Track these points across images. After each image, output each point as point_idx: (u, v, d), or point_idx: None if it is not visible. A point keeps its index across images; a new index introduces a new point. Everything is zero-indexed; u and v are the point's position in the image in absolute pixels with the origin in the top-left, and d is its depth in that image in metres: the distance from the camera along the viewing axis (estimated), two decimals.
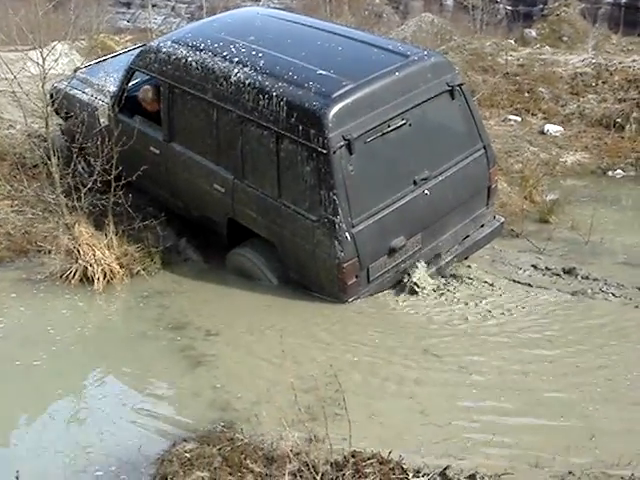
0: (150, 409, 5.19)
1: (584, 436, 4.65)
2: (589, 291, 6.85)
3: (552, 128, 11.78)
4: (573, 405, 5.00)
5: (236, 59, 6.70)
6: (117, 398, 5.40)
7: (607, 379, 5.32)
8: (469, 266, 7.08)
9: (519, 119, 12.12)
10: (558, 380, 5.30)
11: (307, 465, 4.10)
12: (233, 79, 6.57)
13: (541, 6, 38.08)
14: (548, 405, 5.01)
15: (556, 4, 20.47)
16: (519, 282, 7.04)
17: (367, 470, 4.19)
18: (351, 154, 6.01)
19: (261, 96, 6.33)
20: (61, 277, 6.74)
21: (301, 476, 4.08)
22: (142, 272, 6.99)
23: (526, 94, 12.72)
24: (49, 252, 6.93)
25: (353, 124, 6.01)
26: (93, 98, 7.99)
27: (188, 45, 7.12)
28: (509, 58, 13.69)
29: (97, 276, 6.70)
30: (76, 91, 8.30)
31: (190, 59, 6.96)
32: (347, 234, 6.06)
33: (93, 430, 4.91)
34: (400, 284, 6.63)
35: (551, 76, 13.02)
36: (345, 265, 6.13)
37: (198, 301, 6.71)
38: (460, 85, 6.72)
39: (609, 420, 4.83)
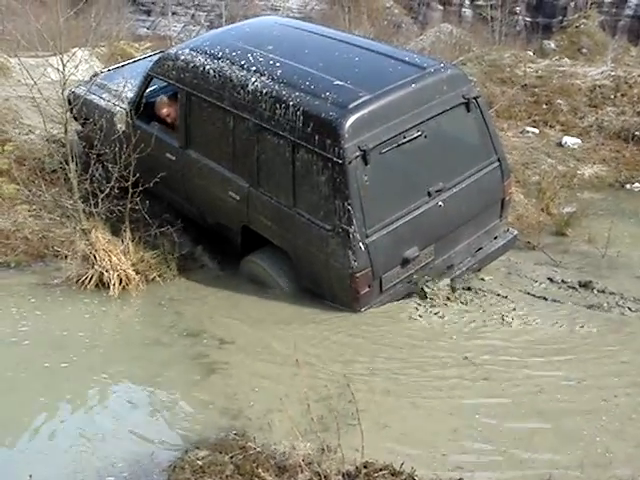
0: (163, 416, 5.21)
1: (598, 456, 4.61)
2: (605, 305, 6.81)
3: (570, 140, 11.71)
4: (588, 427, 4.93)
5: (253, 68, 6.73)
6: (130, 404, 5.41)
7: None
8: (483, 279, 7.06)
9: (537, 131, 12.06)
10: (578, 400, 5.25)
11: (319, 475, 4.10)
12: (250, 88, 6.59)
13: (560, 18, 38.05)
14: (564, 424, 4.96)
15: (575, 16, 20.43)
16: (534, 295, 7.01)
17: None
18: (366, 165, 6.02)
19: (278, 105, 6.36)
20: (77, 282, 6.78)
21: None
22: (158, 278, 7.03)
23: (544, 106, 12.65)
24: (66, 257, 6.99)
25: (369, 135, 6.02)
26: (111, 104, 8.01)
27: (206, 53, 7.16)
28: (527, 70, 13.62)
29: (113, 282, 6.73)
30: (94, 97, 8.30)
31: (208, 67, 7.00)
32: (361, 244, 6.07)
33: (105, 435, 4.91)
34: (414, 294, 6.62)
35: (569, 88, 12.94)
36: (358, 275, 6.13)
37: (213, 308, 6.71)
38: (476, 98, 6.71)
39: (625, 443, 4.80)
